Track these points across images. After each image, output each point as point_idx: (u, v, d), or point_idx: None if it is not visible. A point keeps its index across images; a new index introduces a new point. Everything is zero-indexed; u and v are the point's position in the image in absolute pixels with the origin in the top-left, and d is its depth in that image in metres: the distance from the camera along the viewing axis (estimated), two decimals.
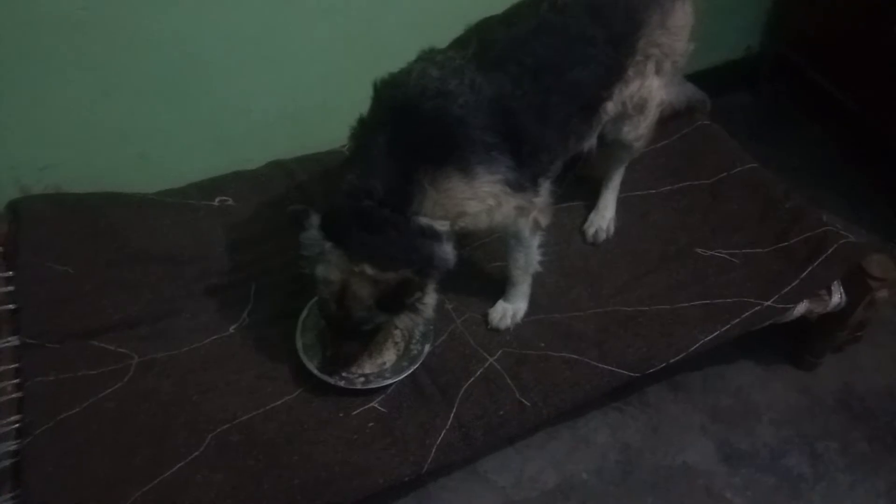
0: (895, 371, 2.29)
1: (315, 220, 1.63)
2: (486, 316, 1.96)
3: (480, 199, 1.64)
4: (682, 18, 1.86)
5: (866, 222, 2.65)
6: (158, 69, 2.02)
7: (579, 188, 2.28)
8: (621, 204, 2.22)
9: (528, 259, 1.90)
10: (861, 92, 2.64)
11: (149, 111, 2.09)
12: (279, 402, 1.73)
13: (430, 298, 1.67)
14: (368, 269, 1.57)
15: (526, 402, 1.77)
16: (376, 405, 1.75)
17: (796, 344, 2.25)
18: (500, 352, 1.87)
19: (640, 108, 1.92)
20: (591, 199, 2.24)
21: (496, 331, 1.94)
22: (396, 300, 1.60)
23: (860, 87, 2.64)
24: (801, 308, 2.01)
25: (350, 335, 1.69)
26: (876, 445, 2.13)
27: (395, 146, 1.58)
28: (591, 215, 2.21)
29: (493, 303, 1.97)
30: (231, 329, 1.88)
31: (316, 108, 2.27)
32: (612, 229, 2.19)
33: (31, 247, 1.93)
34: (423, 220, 1.60)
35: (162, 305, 1.91)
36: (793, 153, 2.87)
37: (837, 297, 2.03)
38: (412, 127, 1.59)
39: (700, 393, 2.22)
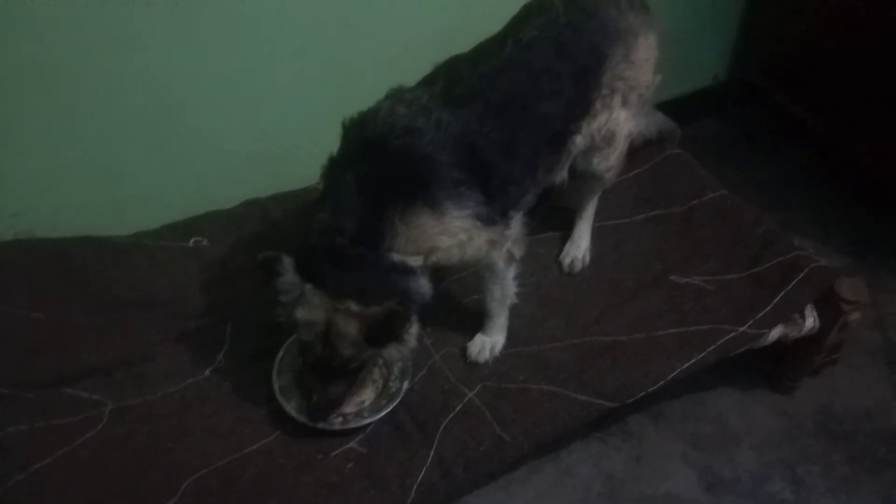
0: (872, 392, 2.30)
1: (288, 263, 1.62)
2: (464, 350, 1.96)
3: (451, 233, 1.65)
4: (645, 52, 1.90)
5: (838, 243, 2.69)
6: (129, 112, 2.03)
7: (554, 219, 2.30)
8: (596, 233, 2.24)
9: (504, 291, 1.91)
10: (826, 115, 2.70)
11: (120, 154, 2.09)
12: (256, 446, 1.71)
13: (414, 328, 1.67)
14: (353, 306, 1.57)
15: (506, 437, 1.76)
16: (355, 445, 1.73)
17: (773, 368, 2.26)
18: (479, 386, 1.87)
19: (609, 140, 1.95)
20: (566, 230, 2.26)
21: (475, 364, 1.94)
22: (385, 332, 1.60)
23: (825, 110, 2.70)
24: (775, 333, 2.02)
25: (336, 376, 1.68)
26: (856, 467, 2.13)
27: (365, 184, 1.60)
28: (567, 246, 2.23)
29: (472, 336, 1.98)
30: (206, 372, 1.87)
31: (290, 147, 2.28)
32: (587, 259, 2.21)
33: (2, 294, 1.91)
34: (396, 257, 1.61)
35: (136, 350, 1.89)
36: (763, 177, 2.92)
37: (811, 320, 2.05)
38: (381, 165, 1.61)
39: (680, 421, 2.22)
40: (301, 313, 1.60)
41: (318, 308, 1.58)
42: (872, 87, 2.49)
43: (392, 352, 1.67)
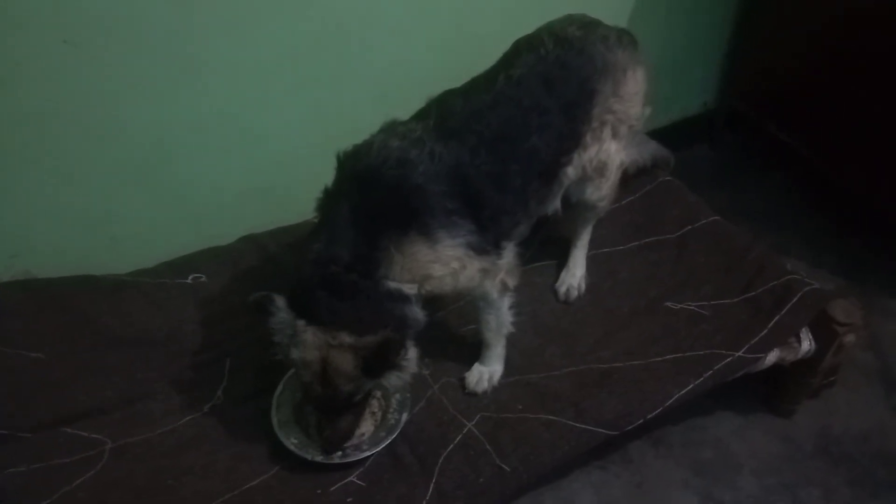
0: (870, 414, 2.31)
1: (280, 302, 1.63)
2: (462, 380, 1.97)
3: (444, 262, 1.67)
4: (634, 86, 1.93)
5: (830, 265, 2.72)
6: (126, 154, 2.06)
7: (549, 248, 2.32)
8: (591, 261, 2.26)
9: (500, 321, 1.92)
10: (811, 141, 2.74)
11: (117, 195, 2.12)
12: (256, 482, 1.70)
13: (412, 353, 1.68)
14: (346, 338, 1.58)
15: (506, 468, 1.76)
16: (354, 479, 1.73)
17: (772, 391, 2.27)
18: (478, 416, 1.87)
19: (601, 171, 1.98)
20: (561, 259, 2.28)
21: (473, 395, 1.94)
22: (382, 362, 1.60)
23: (810, 136, 2.74)
24: (772, 357, 2.03)
25: (342, 411, 1.69)
26: (857, 490, 2.13)
27: (359, 215, 1.62)
28: (562, 274, 2.25)
29: (470, 366, 1.98)
30: (205, 408, 1.87)
31: (286, 182, 2.31)
32: (583, 287, 2.23)
33: (1, 335, 1.92)
34: (392, 284, 1.63)
35: (135, 388, 1.90)
36: (755, 201, 2.96)
37: (807, 343, 2.07)
38: (375, 195, 1.63)
39: (681, 447, 2.22)
40: (296, 353, 1.60)
41: (311, 346, 1.59)
42: (856, 115, 2.54)
43: (393, 380, 1.66)
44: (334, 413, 1.68)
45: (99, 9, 1.81)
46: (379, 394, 1.87)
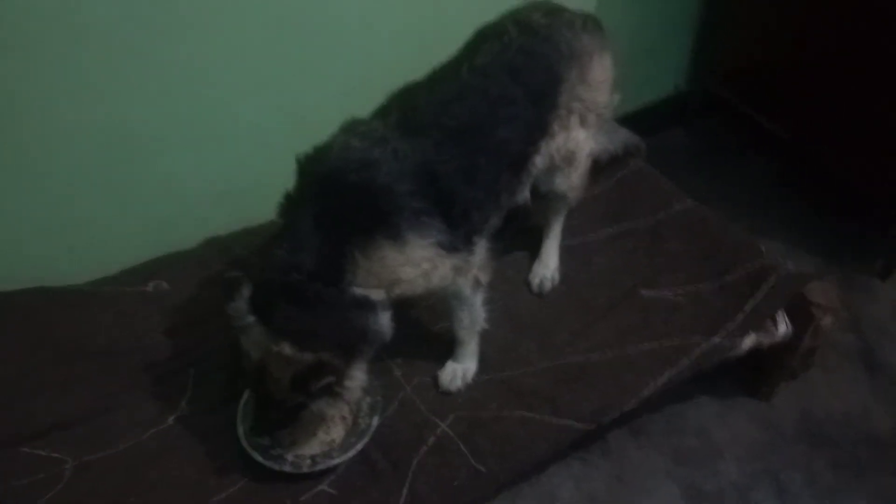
0: (850, 395, 2.29)
1: (247, 291, 1.60)
2: (436, 379, 1.92)
3: (414, 264, 1.63)
4: (601, 73, 1.89)
5: (809, 246, 2.69)
6: (85, 158, 1.98)
7: (522, 239, 2.27)
8: (564, 252, 2.22)
9: (473, 317, 1.88)
10: (788, 122, 2.71)
11: (76, 201, 2.04)
12: (223, 496, 1.65)
13: (355, 381, 1.63)
14: (287, 349, 1.54)
15: (482, 468, 1.72)
16: (326, 487, 1.68)
17: (751, 375, 2.25)
18: (452, 416, 1.83)
19: (569, 160, 1.94)
20: (534, 250, 2.23)
21: (447, 393, 1.90)
22: (310, 384, 1.55)
23: (786, 117, 2.71)
24: (748, 342, 2.01)
25: (272, 408, 1.64)
26: (840, 473, 2.12)
27: (322, 219, 1.57)
28: (536, 266, 2.20)
29: (443, 365, 1.94)
30: (170, 420, 1.81)
31: (250, 184, 2.22)
32: (557, 278, 2.18)
33: None
34: (358, 291, 1.58)
35: (98, 402, 1.83)
36: (732, 184, 2.92)
37: (784, 327, 2.04)
38: (339, 199, 1.58)
39: (662, 435, 2.19)
40: (245, 342, 1.59)
41: (256, 343, 1.57)
42: (832, 95, 2.50)
43: (321, 405, 1.61)
44: (265, 406, 1.65)
45: (50, 10, 1.73)
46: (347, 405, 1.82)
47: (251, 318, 1.57)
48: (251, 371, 1.59)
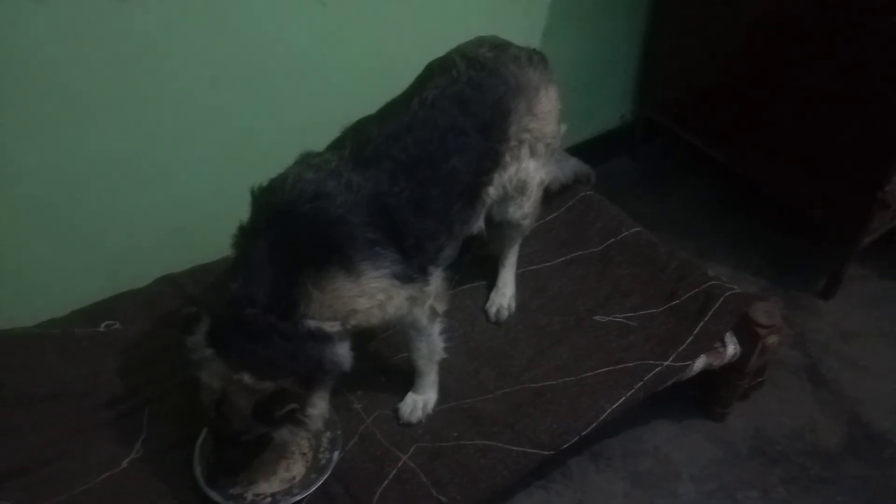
0: (800, 411, 2.36)
1: (205, 325, 1.60)
2: (396, 411, 1.92)
3: (369, 295, 1.63)
4: (547, 105, 1.94)
5: (753, 267, 2.79)
6: (27, 199, 1.95)
7: (478, 269, 2.31)
8: (520, 279, 2.26)
9: (432, 347, 1.89)
10: (726, 144, 2.81)
11: (21, 243, 2.00)
12: None
13: (317, 409, 1.63)
14: (247, 378, 1.53)
15: (444, 499, 1.72)
16: None
17: (704, 396, 2.30)
18: (413, 447, 1.83)
19: (521, 189, 1.98)
20: (490, 279, 2.27)
21: (408, 425, 1.90)
22: (273, 411, 1.54)
23: (724, 140, 2.81)
24: (699, 363, 2.06)
25: (231, 444, 1.63)
26: (793, 487, 2.17)
27: (276, 251, 1.57)
28: (492, 294, 2.24)
29: (403, 396, 1.94)
30: (124, 463, 1.76)
31: (203, 220, 2.22)
32: (513, 306, 2.22)
33: None
34: (312, 324, 1.58)
35: (49, 448, 1.77)
36: (676, 209, 3.02)
37: (732, 347, 2.10)
38: (292, 231, 1.59)
39: (620, 459, 2.22)
40: (203, 375, 1.58)
41: (215, 375, 1.56)
42: (765, 117, 2.62)
43: (285, 433, 1.61)
44: (224, 443, 1.64)
45: None
46: (309, 434, 1.80)
47: (209, 351, 1.56)
48: (210, 405, 1.57)
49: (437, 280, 1.81)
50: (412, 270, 1.71)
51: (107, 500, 1.69)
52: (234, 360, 1.54)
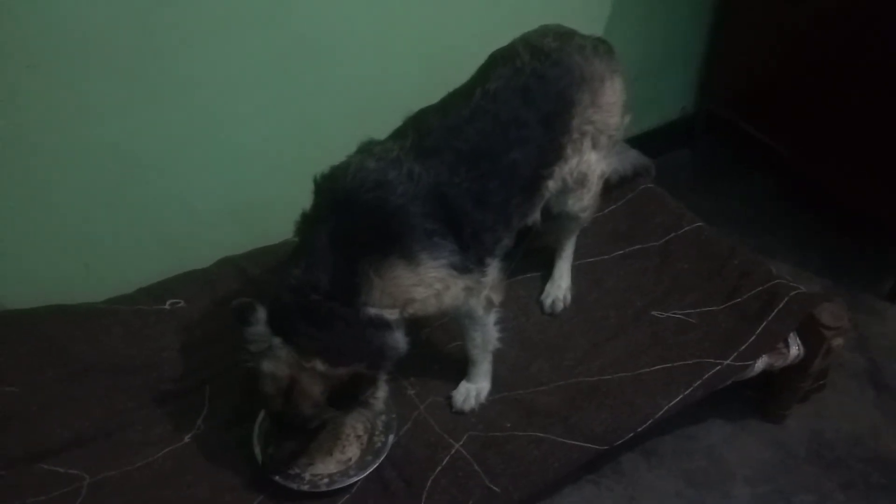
0: (861, 416, 2.29)
1: (261, 314, 1.61)
2: (449, 399, 1.94)
3: (427, 284, 1.64)
4: (612, 96, 1.91)
5: (815, 266, 2.71)
6: (97, 178, 2.01)
7: (533, 260, 2.29)
8: (576, 272, 2.24)
9: (486, 337, 1.89)
10: (792, 140, 2.73)
11: (90, 220, 2.07)
12: None
13: (381, 392, 1.65)
14: (319, 365, 1.55)
15: (496, 489, 1.72)
16: None
17: (762, 397, 2.25)
18: (465, 436, 1.84)
19: (581, 182, 1.96)
20: (546, 270, 2.25)
21: (461, 413, 1.91)
22: (349, 396, 1.57)
23: (790, 135, 2.73)
24: (760, 363, 2.01)
25: (295, 431, 1.65)
26: (851, 494, 2.11)
27: (338, 239, 1.59)
28: (548, 286, 2.22)
29: (456, 384, 1.95)
30: (186, 438, 1.82)
31: (263, 203, 2.26)
32: (568, 298, 2.20)
33: None
34: (372, 311, 1.60)
35: (113, 420, 1.84)
36: (737, 205, 2.94)
37: (795, 348, 2.05)
38: (354, 219, 1.60)
39: (673, 457, 2.19)
40: (267, 365, 1.59)
41: (283, 363, 1.57)
42: (834, 114, 2.53)
43: (356, 415, 1.64)
44: (287, 430, 1.65)
45: (61, 31, 1.76)
46: (372, 415, 1.83)
47: (276, 340, 1.58)
48: (276, 393, 1.59)
49: (493, 271, 1.81)
50: (469, 261, 1.71)
51: (169, 473, 1.74)
52: (303, 348, 1.56)
